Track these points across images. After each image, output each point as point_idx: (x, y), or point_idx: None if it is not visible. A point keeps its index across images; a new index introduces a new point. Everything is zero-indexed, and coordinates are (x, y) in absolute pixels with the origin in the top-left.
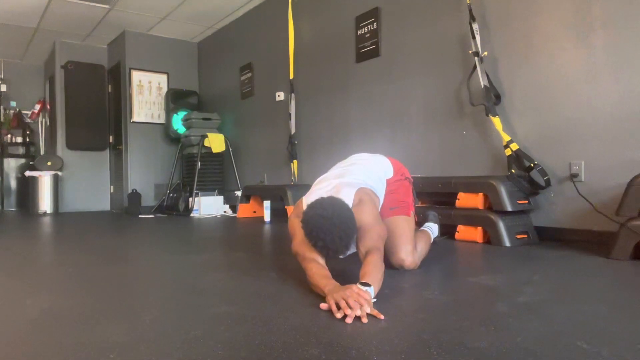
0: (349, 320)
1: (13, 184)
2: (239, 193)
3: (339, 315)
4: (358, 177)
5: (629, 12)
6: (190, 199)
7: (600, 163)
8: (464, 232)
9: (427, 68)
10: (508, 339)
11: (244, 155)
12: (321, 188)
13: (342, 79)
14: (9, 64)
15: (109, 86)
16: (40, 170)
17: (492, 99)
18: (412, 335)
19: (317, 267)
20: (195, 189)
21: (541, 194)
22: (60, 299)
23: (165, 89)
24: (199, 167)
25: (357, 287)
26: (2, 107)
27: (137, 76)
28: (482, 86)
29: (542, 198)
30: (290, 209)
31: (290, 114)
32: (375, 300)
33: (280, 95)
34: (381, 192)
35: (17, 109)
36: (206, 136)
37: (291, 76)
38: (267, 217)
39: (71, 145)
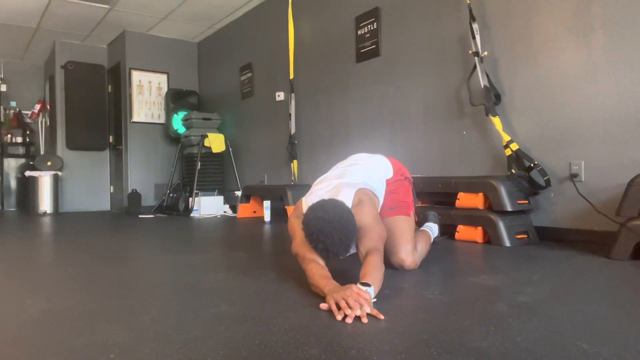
0: (349, 320)
1: (13, 184)
2: (239, 193)
3: (339, 316)
4: (358, 177)
5: (629, 12)
6: (190, 199)
7: (600, 163)
8: (464, 232)
9: (427, 68)
10: (508, 339)
11: (244, 155)
12: (321, 188)
13: (342, 79)
14: (9, 64)
15: (109, 86)
16: (40, 170)
17: (492, 99)
18: (412, 335)
19: (317, 268)
20: (195, 189)
21: (541, 194)
22: (60, 299)
23: (165, 89)
24: (199, 167)
25: (357, 287)
26: (2, 107)
27: (137, 76)
28: (482, 86)
29: (542, 198)
30: (290, 209)
31: (290, 114)
32: (375, 300)
33: (280, 95)
34: (381, 193)
35: (17, 109)
36: (206, 136)
37: (291, 76)
38: (267, 217)
39: (71, 145)
